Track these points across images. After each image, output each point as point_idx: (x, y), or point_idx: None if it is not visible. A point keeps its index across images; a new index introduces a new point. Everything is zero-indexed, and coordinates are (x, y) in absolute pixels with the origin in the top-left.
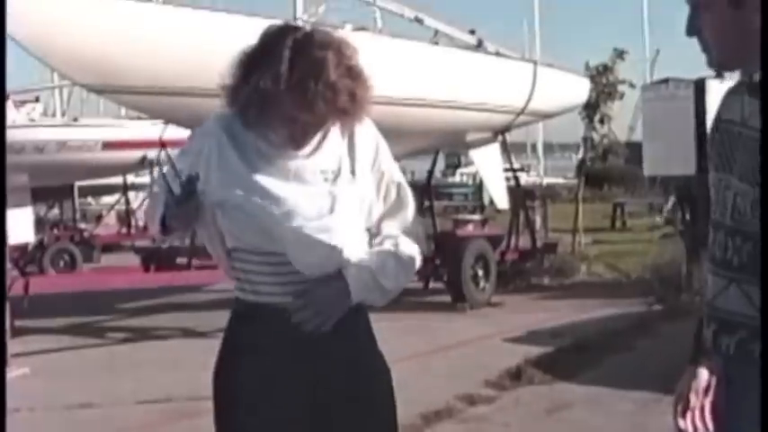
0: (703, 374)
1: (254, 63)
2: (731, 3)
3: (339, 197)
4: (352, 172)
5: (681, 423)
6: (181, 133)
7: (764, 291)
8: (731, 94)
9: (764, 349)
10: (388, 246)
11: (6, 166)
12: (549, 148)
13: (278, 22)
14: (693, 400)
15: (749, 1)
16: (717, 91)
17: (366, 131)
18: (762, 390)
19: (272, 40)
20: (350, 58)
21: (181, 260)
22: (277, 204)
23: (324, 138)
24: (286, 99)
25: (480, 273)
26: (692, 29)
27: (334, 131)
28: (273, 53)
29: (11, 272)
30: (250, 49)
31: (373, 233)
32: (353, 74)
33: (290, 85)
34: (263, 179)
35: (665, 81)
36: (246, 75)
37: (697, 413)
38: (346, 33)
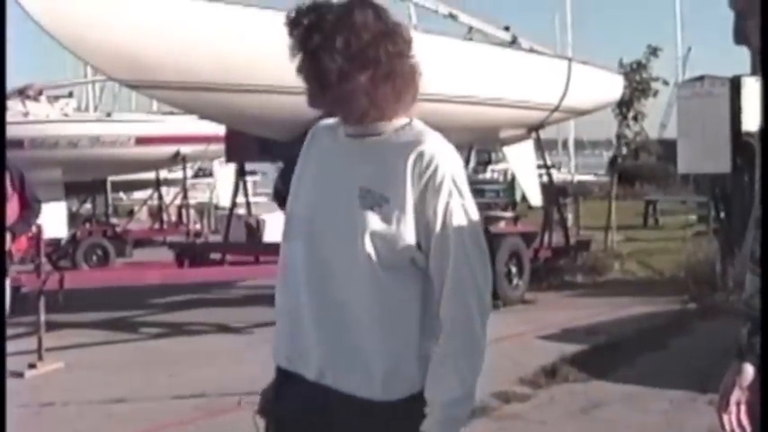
0: (749, 370)
1: None
2: None
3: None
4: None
5: (724, 418)
6: (214, 128)
7: (764, 291)
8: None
9: (764, 348)
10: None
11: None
12: (579, 144)
13: None
14: (737, 396)
15: None
16: (753, 89)
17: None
18: (762, 390)
19: None
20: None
21: (215, 255)
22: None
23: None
24: None
25: (514, 270)
26: (739, 36)
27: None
28: None
29: (45, 266)
30: None
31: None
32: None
33: None
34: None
35: (701, 78)
36: None
37: (735, 409)
38: None
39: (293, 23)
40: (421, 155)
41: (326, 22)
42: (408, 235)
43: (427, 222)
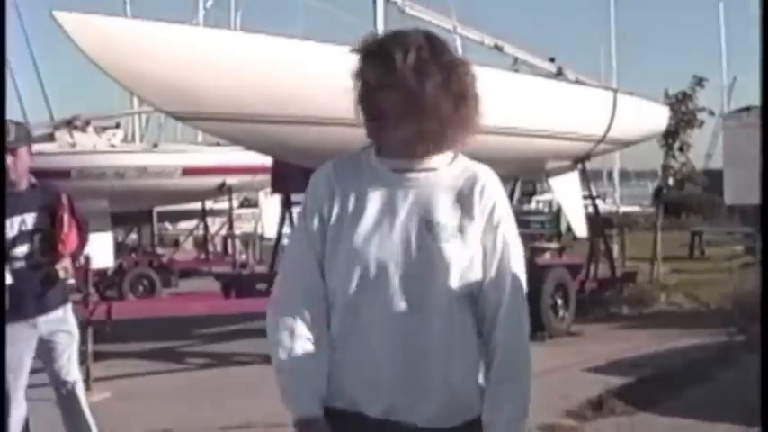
0: None
1: None
2: None
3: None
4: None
5: None
6: (260, 159)
7: (764, 294)
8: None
9: (764, 347)
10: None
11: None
12: (624, 175)
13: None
14: None
15: None
16: None
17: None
18: (761, 390)
19: None
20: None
21: (261, 286)
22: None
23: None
24: None
25: (560, 302)
26: None
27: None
28: None
29: (93, 296)
30: None
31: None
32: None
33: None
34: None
35: (747, 109)
36: None
37: None
38: None
39: (374, 54)
40: (483, 188)
41: (422, 59)
42: (477, 266)
43: (486, 253)
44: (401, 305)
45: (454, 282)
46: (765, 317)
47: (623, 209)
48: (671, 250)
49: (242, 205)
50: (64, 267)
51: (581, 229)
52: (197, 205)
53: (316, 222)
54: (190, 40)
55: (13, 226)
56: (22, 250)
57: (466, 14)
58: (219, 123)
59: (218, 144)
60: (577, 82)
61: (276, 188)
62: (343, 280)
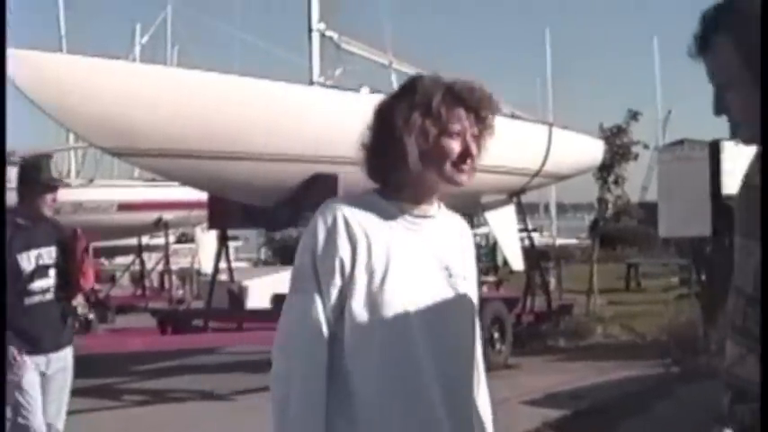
0: None
1: None
2: (755, 81)
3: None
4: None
5: None
6: (196, 195)
7: (764, 298)
8: (760, 157)
9: (764, 354)
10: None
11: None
12: (561, 208)
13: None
14: None
15: None
16: (732, 152)
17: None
18: (761, 390)
19: None
20: None
21: (197, 322)
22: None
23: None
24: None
25: (496, 335)
26: (720, 108)
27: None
28: None
29: None
30: None
31: None
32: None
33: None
34: None
35: (681, 142)
36: None
37: None
38: (363, 96)
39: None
40: (468, 235)
41: (474, 101)
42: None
43: None
44: (445, 349)
45: (475, 322)
46: (765, 316)
47: (560, 241)
48: (607, 282)
49: (179, 240)
50: (81, 303)
51: (517, 263)
52: (133, 240)
53: (334, 273)
54: (126, 75)
55: (31, 260)
56: (40, 285)
57: (401, 50)
58: (155, 159)
59: (154, 180)
60: (513, 116)
61: (213, 223)
62: (377, 323)
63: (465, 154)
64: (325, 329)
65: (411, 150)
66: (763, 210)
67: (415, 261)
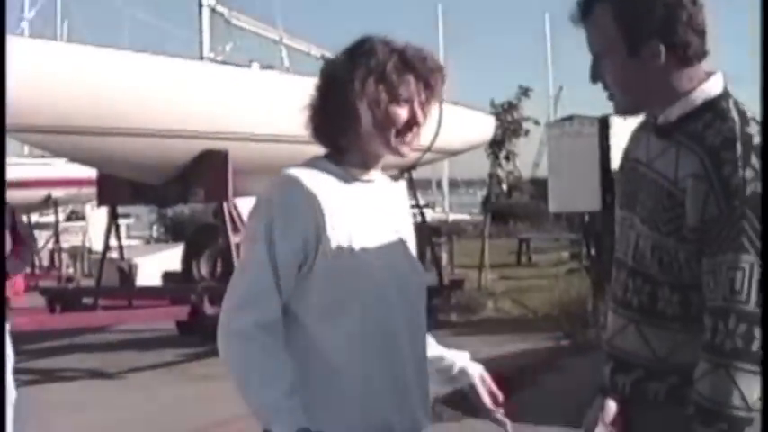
0: (611, 407)
1: None
2: (629, 52)
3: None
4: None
5: None
6: (85, 171)
7: (764, 298)
8: (639, 130)
9: (764, 351)
10: None
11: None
12: (454, 184)
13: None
14: (601, 431)
15: (645, 49)
16: (621, 128)
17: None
18: (762, 391)
19: None
20: None
21: (87, 300)
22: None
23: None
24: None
25: None
26: (596, 76)
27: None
28: None
29: None
30: None
31: None
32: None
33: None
34: None
35: (570, 118)
36: None
37: None
38: (254, 72)
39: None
40: (406, 198)
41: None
42: None
43: None
44: (417, 320)
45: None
46: (765, 316)
47: (453, 217)
48: (499, 257)
49: (69, 218)
50: None
51: None
52: (23, 218)
53: (293, 242)
54: (13, 51)
55: None
56: None
57: (292, 25)
58: (44, 136)
59: (43, 156)
60: None
61: (102, 200)
62: (355, 295)
63: (411, 122)
64: (276, 293)
65: (364, 116)
66: (763, 211)
67: (374, 226)
